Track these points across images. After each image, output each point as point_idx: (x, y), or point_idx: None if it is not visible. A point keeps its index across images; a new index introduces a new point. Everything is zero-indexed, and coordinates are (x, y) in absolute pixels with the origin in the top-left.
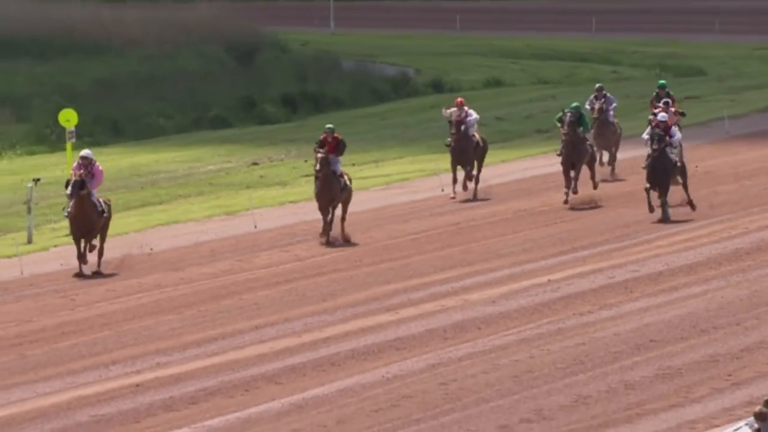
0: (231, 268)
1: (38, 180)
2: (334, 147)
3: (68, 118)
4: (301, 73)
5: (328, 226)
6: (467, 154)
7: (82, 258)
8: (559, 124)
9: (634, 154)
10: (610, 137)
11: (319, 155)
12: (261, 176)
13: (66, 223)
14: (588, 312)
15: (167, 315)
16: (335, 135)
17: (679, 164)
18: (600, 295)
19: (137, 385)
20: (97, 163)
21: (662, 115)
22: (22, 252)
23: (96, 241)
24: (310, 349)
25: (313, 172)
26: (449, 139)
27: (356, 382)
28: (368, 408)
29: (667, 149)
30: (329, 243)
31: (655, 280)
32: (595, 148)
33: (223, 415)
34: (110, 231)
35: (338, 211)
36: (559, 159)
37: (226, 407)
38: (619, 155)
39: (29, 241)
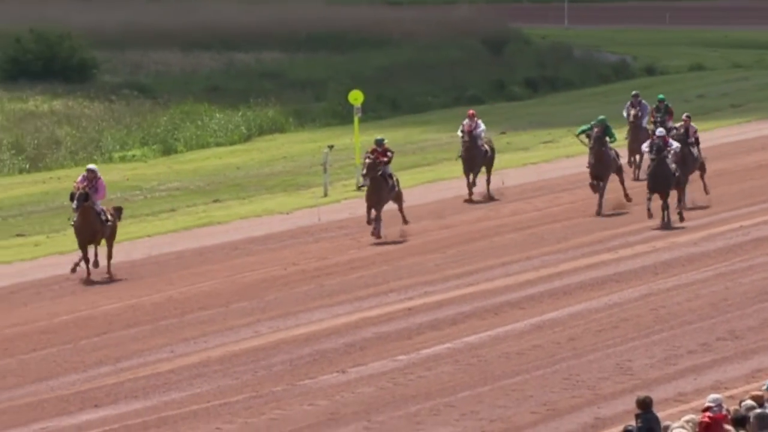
0: (483, 217)
1: (332, 146)
2: (383, 155)
3: (356, 97)
4: (541, 60)
5: (376, 224)
6: (477, 161)
7: (88, 262)
8: (583, 137)
9: None
10: (643, 142)
11: (368, 161)
12: (507, 143)
13: (352, 181)
14: None
15: (433, 254)
16: (384, 146)
17: (677, 174)
18: None
19: (409, 309)
20: (101, 177)
21: (660, 130)
22: (320, 203)
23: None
24: (547, 281)
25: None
26: (461, 149)
27: (584, 307)
28: (593, 328)
29: (666, 159)
30: (379, 237)
31: None
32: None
33: (477, 333)
34: (403, 184)
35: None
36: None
37: (479, 327)
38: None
39: (325, 195)
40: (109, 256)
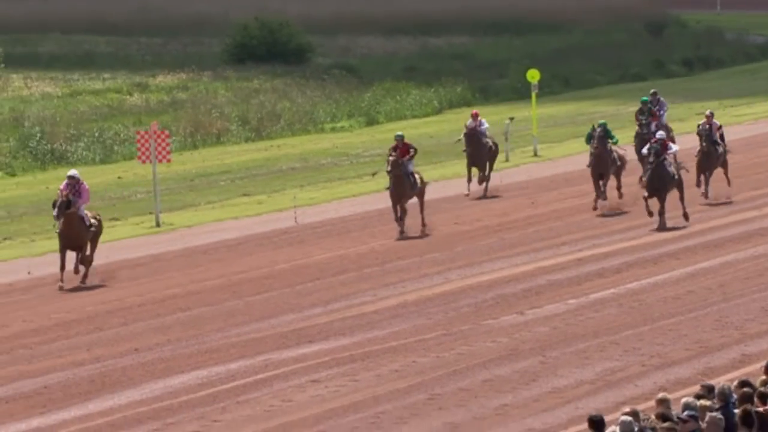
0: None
1: (512, 118)
2: (405, 152)
3: (533, 75)
4: (696, 42)
5: (400, 219)
6: (481, 157)
7: (63, 269)
8: (589, 141)
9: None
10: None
11: (391, 158)
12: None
13: (530, 148)
14: None
15: (588, 213)
16: (405, 142)
17: (676, 177)
18: None
19: (579, 260)
20: (84, 182)
21: (660, 133)
22: (502, 168)
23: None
24: (700, 235)
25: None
26: (464, 143)
27: (732, 258)
28: (741, 276)
29: (665, 162)
30: (403, 233)
31: None
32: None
33: (639, 280)
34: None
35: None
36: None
37: (641, 275)
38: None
39: (506, 160)
40: (90, 261)
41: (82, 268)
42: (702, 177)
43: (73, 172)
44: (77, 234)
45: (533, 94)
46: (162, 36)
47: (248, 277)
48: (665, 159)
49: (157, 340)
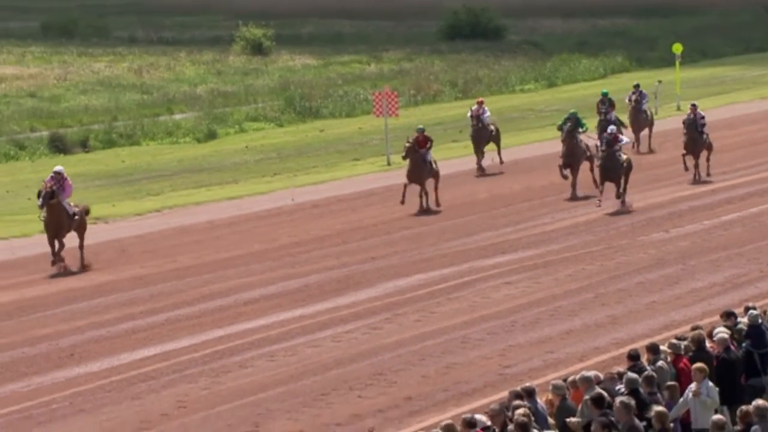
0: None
1: (660, 81)
2: (424, 143)
3: (677, 48)
4: None
5: (420, 200)
6: (483, 140)
7: (56, 256)
8: (559, 131)
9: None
10: (642, 123)
11: (407, 144)
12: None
13: (673, 104)
14: None
15: (726, 153)
16: (425, 134)
17: (625, 165)
18: None
19: (712, 190)
20: (68, 178)
21: (611, 128)
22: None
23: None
24: None
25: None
26: (471, 130)
27: None
28: None
29: (616, 153)
30: (423, 209)
31: None
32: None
33: (759, 206)
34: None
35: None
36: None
37: (760, 202)
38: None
39: (656, 113)
40: (81, 246)
41: (76, 260)
42: (688, 162)
43: (58, 168)
44: (60, 222)
45: (677, 63)
46: (392, 20)
47: (455, 203)
48: (616, 149)
49: (387, 251)
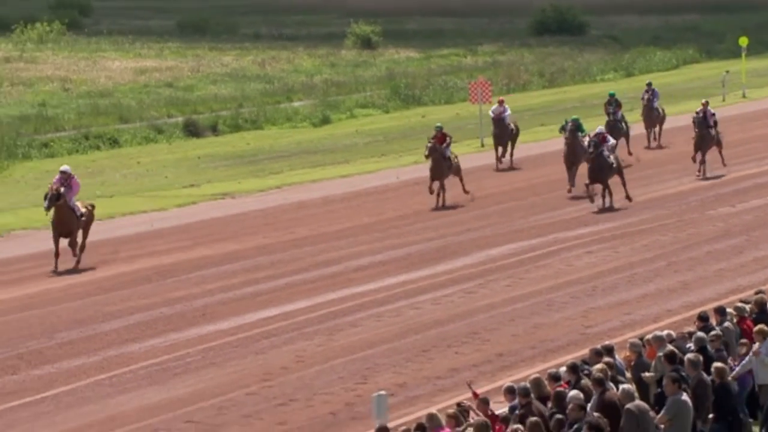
0: None
1: (728, 71)
2: (442, 140)
3: (743, 41)
4: None
5: (437, 193)
6: (504, 138)
7: (57, 256)
8: (561, 132)
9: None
10: (654, 119)
11: (429, 144)
12: None
13: (739, 92)
14: None
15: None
16: (443, 132)
17: (614, 165)
18: None
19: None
20: (74, 176)
21: (600, 128)
22: (717, 106)
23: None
24: None
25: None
26: (493, 128)
27: None
28: None
29: (604, 153)
30: (438, 204)
31: None
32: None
33: None
34: None
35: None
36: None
37: None
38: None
39: (723, 101)
40: (83, 246)
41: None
42: (698, 156)
43: (65, 167)
44: (67, 223)
45: (743, 54)
46: (487, 17)
47: (544, 181)
48: (603, 150)
49: (480, 224)
